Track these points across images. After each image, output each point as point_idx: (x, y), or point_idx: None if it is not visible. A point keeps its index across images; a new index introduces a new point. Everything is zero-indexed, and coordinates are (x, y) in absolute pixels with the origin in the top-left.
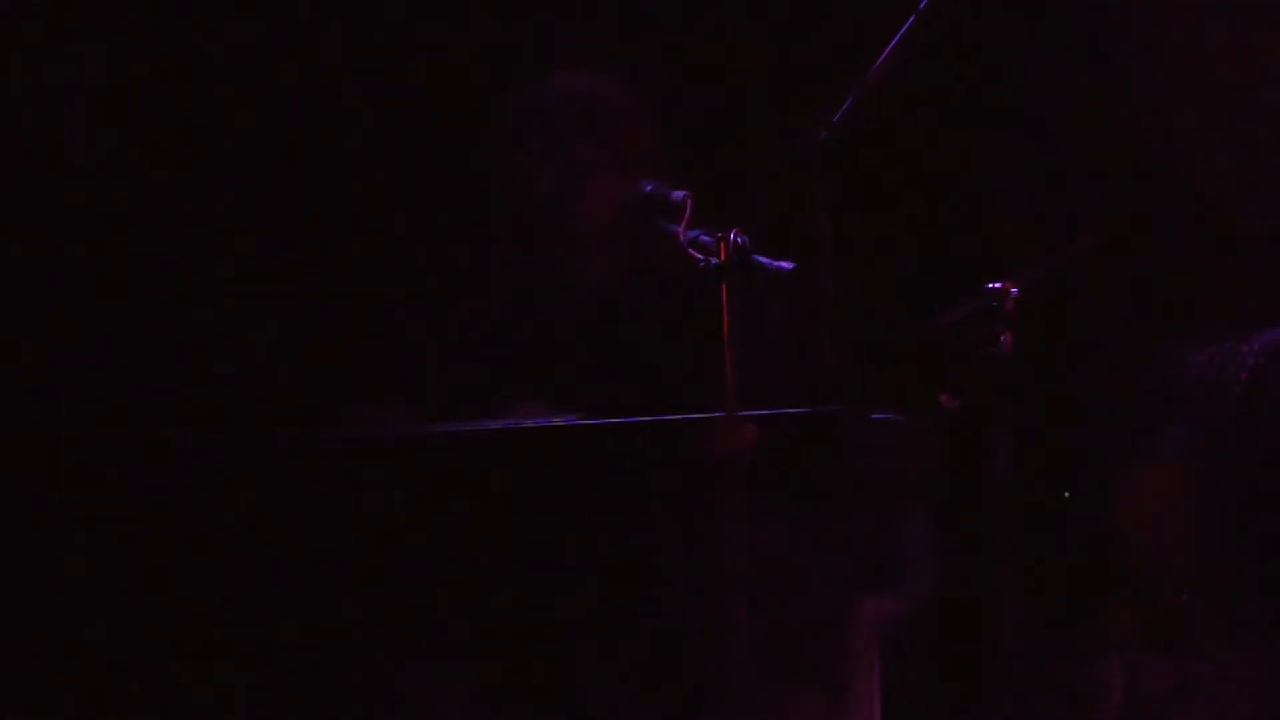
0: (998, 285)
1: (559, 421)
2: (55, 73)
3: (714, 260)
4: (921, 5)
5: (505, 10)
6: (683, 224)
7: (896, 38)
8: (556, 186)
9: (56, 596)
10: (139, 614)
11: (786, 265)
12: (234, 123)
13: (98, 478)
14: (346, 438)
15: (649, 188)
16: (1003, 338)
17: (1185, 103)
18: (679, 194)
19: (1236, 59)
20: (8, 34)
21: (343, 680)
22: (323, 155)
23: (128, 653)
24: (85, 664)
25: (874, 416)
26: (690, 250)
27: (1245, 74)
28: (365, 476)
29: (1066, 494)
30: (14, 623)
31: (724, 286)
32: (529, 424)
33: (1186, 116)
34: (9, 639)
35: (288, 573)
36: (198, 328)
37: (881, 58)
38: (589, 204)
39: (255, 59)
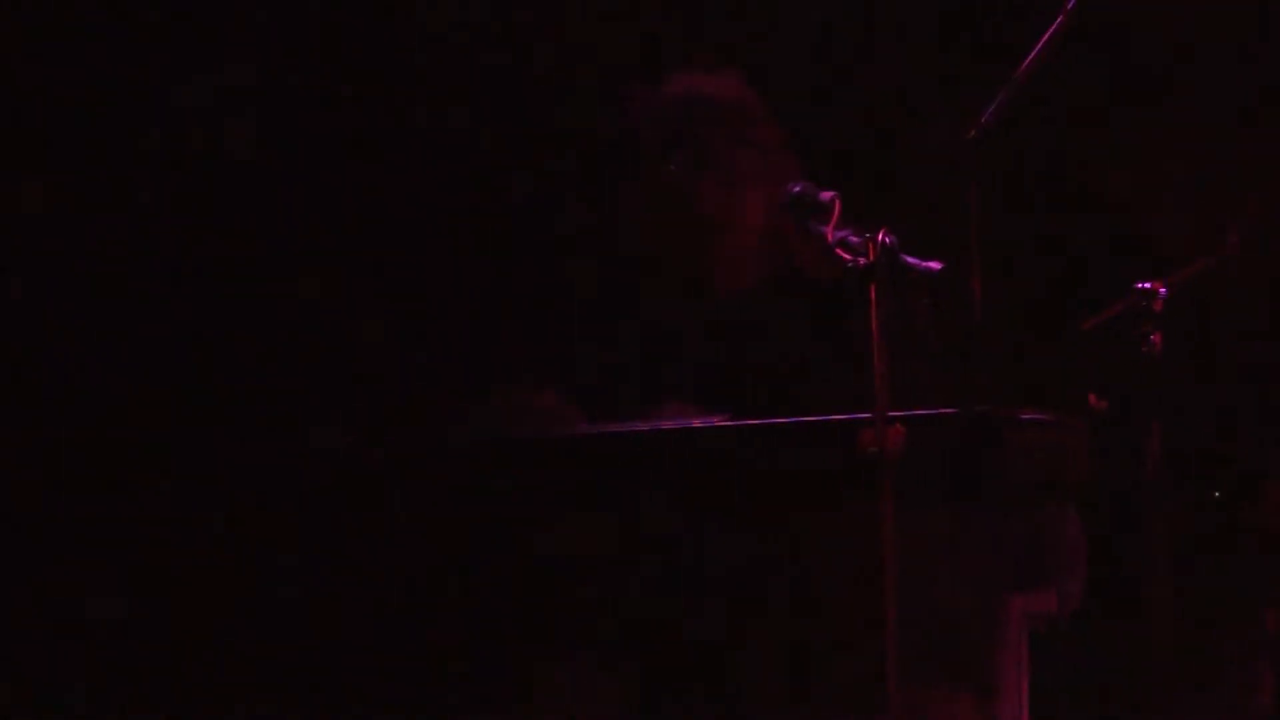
0: (1147, 285)
1: (711, 423)
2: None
3: (862, 261)
4: (1070, 3)
5: (650, 8)
6: (831, 224)
7: (1046, 35)
8: (714, 195)
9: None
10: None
11: (935, 265)
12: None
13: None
14: (493, 436)
15: (797, 188)
16: (1152, 338)
17: None
18: (827, 194)
19: None
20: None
21: (481, 678)
22: (469, 152)
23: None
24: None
25: (1024, 417)
26: (839, 251)
27: None
28: (511, 476)
29: (1218, 494)
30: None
31: (873, 287)
32: (680, 425)
33: None
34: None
35: (427, 569)
36: (358, 320)
37: (1031, 55)
38: (745, 210)
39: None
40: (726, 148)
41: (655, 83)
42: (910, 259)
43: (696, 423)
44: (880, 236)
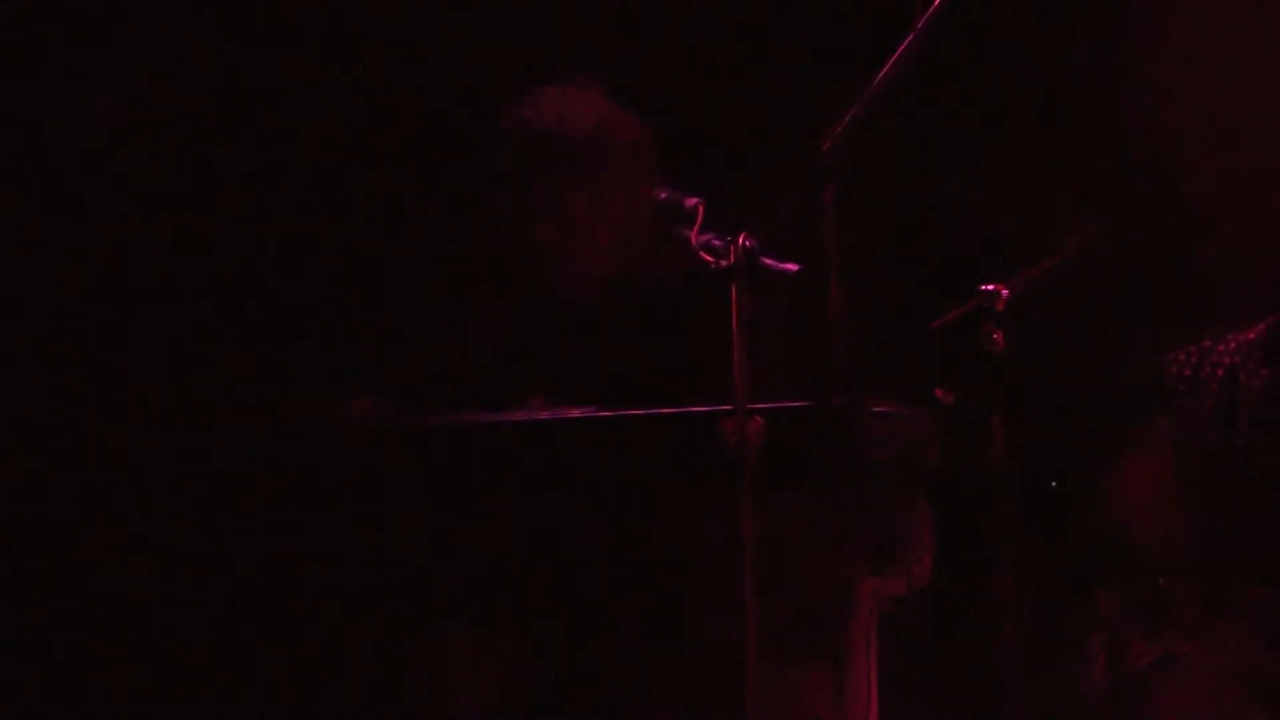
0: (990, 287)
1: (572, 413)
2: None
3: (724, 263)
4: (919, 25)
5: (517, 22)
6: (694, 229)
7: (898, 53)
8: (580, 206)
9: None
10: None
11: (791, 267)
12: (242, 121)
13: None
14: (364, 424)
15: (664, 195)
16: (995, 336)
17: (1172, 104)
18: (691, 201)
19: (1224, 60)
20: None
21: (349, 674)
22: (339, 152)
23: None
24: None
25: (876, 409)
26: (702, 253)
27: (1232, 74)
28: (370, 464)
29: (1054, 483)
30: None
31: (733, 287)
32: (542, 416)
33: (1173, 118)
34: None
35: (302, 561)
36: (217, 322)
37: (883, 72)
38: (607, 218)
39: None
40: (595, 161)
41: (528, 99)
42: (769, 261)
43: (559, 413)
44: (741, 240)
